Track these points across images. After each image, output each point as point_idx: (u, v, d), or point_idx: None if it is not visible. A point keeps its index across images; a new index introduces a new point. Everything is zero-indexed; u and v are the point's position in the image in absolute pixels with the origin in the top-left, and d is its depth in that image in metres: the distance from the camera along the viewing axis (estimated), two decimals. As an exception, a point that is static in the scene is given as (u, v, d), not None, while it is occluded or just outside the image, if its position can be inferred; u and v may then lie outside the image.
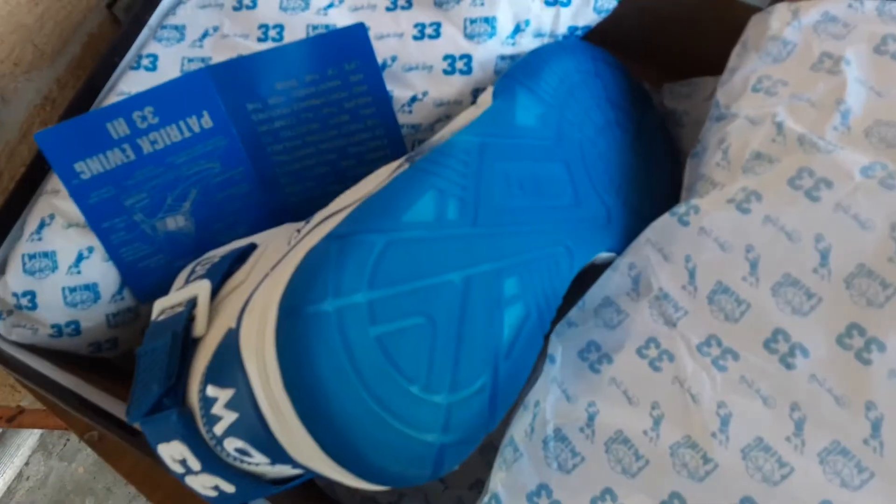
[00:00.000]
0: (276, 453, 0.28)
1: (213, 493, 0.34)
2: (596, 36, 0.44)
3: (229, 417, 0.29)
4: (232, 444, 0.29)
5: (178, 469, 0.33)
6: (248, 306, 0.30)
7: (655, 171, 0.43)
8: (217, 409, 0.29)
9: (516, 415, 0.36)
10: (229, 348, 0.30)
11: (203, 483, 0.33)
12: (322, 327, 0.26)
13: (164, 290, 0.38)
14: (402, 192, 0.30)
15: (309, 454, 0.26)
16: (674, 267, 0.35)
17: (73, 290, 0.42)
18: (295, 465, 0.29)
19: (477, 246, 0.31)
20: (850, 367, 0.30)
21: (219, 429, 0.29)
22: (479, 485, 0.49)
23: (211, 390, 0.30)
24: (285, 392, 0.25)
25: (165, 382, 0.31)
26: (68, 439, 1.25)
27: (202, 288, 0.35)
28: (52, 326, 0.42)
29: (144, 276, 0.44)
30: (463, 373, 0.29)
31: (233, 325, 0.30)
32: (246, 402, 0.27)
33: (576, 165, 0.38)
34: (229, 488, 0.32)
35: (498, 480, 0.34)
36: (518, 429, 0.35)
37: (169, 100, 0.40)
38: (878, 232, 0.30)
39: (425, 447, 0.27)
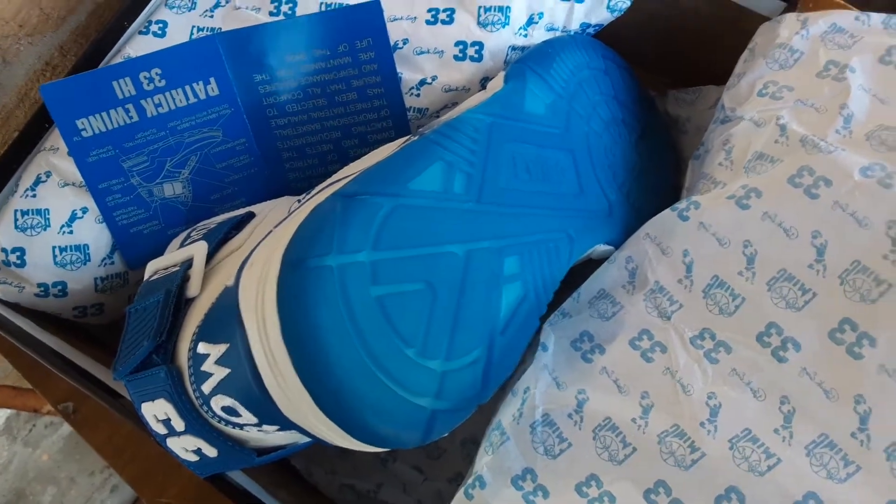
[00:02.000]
0: (266, 411, 0.27)
1: (194, 458, 0.33)
2: (605, 38, 0.45)
3: (220, 374, 0.28)
4: (219, 403, 0.29)
5: (161, 430, 0.32)
6: (247, 262, 0.29)
7: (657, 172, 0.43)
8: (207, 366, 0.29)
9: (505, 401, 0.36)
10: (225, 304, 0.29)
11: (185, 445, 0.32)
12: (324, 281, 0.25)
13: (155, 258, 0.37)
14: (412, 160, 0.30)
15: (301, 409, 0.26)
16: (671, 261, 0.35)
17: (63, 249, 0.41)
18: (283, 424, 0.28)
19: (480, 221, 0.32)
20: (840, 361, 0.30)
21: (207, 386, 0.29)
22: (459, 478, 0.48)
23: (202, 347, 0.29)
24: (283, 343, 0.25)
25: (155, 339, 0.30)
26: (34, 425, 1.23)
27: (199, 248, 0.34)
28: (40, 286, 0.41)
29: (136, 242, 0.43)
30: (459, 342, 0.28)
31: (230, 283, 0.30)
32: (240, 356, 0.27)
33: (581, 157, 0.38)
34: (211, 452, 0.32)
35: (483, 463, 0.34)
36: (506, 414, 0.35)
37: (177, 63, 0.40)
38: (874, 229, 0.31)
39: (418, 411, 0.27)
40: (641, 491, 0.31)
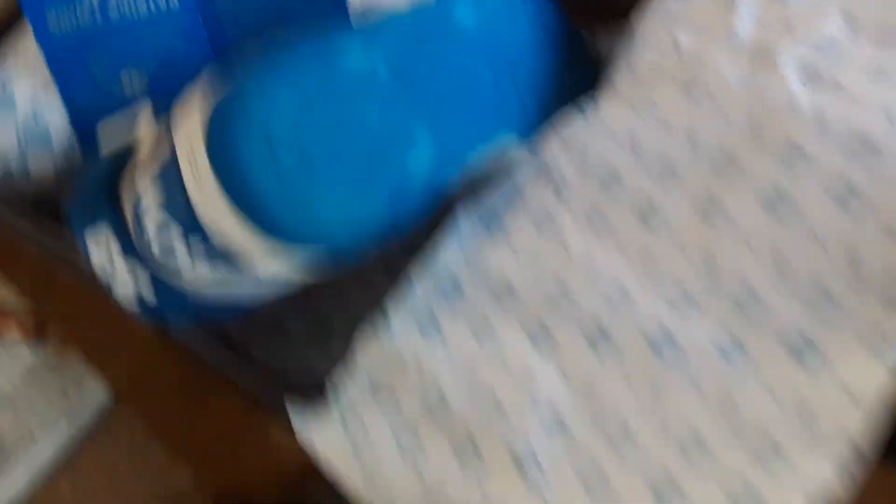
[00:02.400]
0: (190, 220, 0.32)
1: (127, 296, 0.37)
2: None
3: (153, 192, 0.33)
4: (153, 221, 0.33)
5: (102, 264, 0.36)
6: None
7: (572, 89, 0.48)
8: (143, 187, 0.33)
9: (416, 268, 0.40)
10: (164, 134, 0.34)
11: (123, 277, 0.36)
12: (248, 110, 0.30)
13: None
14: (338, 39, 0.35)
15: (217, 209, 0.30)
16: (571, 154, 0.40)
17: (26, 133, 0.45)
18: (204, 235, 0.32)
19: (401, 98, 0.36)
20: (698, 228, 0.35)
21: (143, 207, 0.33)
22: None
23: (140, 180, 0.34)
24: (208, 161, 0.30)
25: (104, 177, 0.35)
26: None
27: (146, 105, 0.39)
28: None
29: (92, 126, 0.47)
30: (369, 180, 0.33)
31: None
32: (170, 172, 0.31)
33: (501, 67, 0.43)
34: (144, 285, 0.36)
35: (392, 309, 0.38)
36: (418, 271, 0.39)
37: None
38: (739, 125, 0.37)
39: (326, 223, 0.31)
40: (525, 331, 0.36)
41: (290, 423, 0.41)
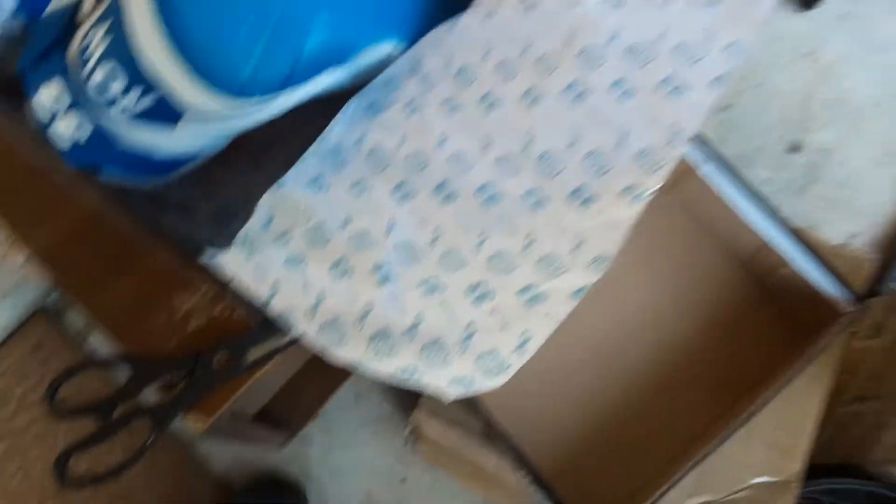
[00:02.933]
0: (132, 66, 0.40)
1: (69, 144, 0.45)
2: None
3: (103, 44, 0.40)
4: (101, 73, 0.41)
5: (47, 114, 0.44)
6: None
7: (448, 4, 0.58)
8: (94, 43, 0.41)
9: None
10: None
11: (66, 125, 0.44)
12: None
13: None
14: None
15: (153, 46, 0.38)
16: (438, 57, 0.51)
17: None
18: (144, 89, 0.40)
19: None
20: (522, 111, 0.47)
21: (91, 61, 0.41)
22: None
23: (92, 31, 0.41)
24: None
25: (55, 30, 0.42)
26: None
27: None
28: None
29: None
30: (274, 44, 0.41)
31: None
32: (118, 24, 0.39)
33: None
34: (86, 131, 0.44)
35: (289, 172, 0.48)
36: (313, 145, 0.49)
37: None
38: (558, 33, 0.49)
39: (238, 72, 0.40)
40: (390, 186, 0.47)
41: (196, 283, 0.49)
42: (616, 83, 0.47)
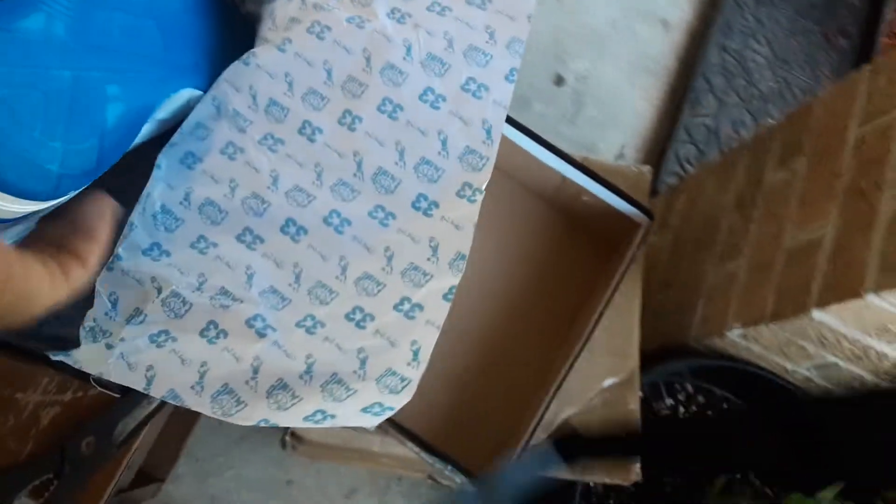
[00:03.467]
0: None
1: None
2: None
3: None
4: None
5: None
6: None
7: (235, 41, 0.58)
8: None
9: (134, 206, 0.48)
10: None
11: None
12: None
13: None
14: (16, 6, 0.40)
15: None
16: (242, 95, 0.51)
17: None
18: None
19: (85, 57, 0.42)
20: (344, 135, 0.49)
21: None
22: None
23: None
24: None
25: None
26: None
27: None
28: None
29: None
30: (74, 132, 0.40)
31: None
32: None
33: (167, 24, 0.50)
34: None
35: (119, 247, 0.46)
36: (134, 213, 0.47)
37: None
38: (356, 54, 0.50)
39: (47, 172, 0.38)
40: (234, 236, 0.46)
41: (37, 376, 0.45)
42: (423, 94, 0.50)
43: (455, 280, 0.46)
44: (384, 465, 0.84)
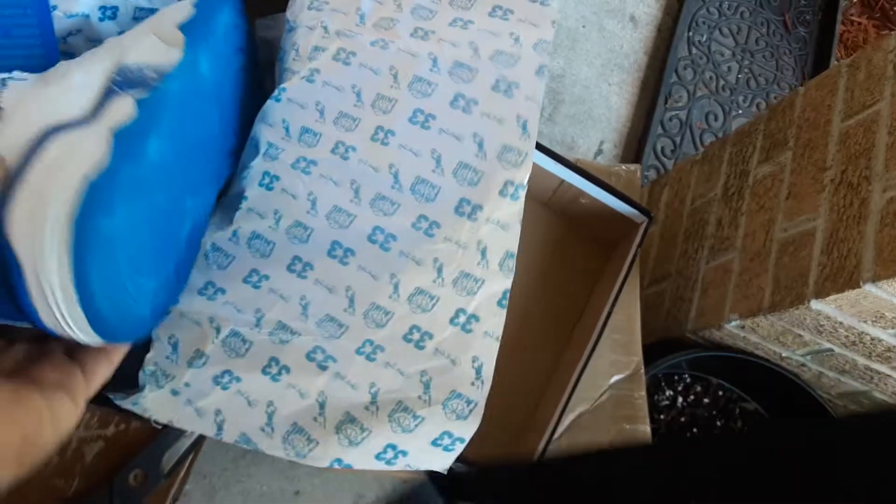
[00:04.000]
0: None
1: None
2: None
3: None
4: None
5: None
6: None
7: (258, 95, 0.57)
8: None
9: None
10: None
11: None
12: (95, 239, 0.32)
13: None
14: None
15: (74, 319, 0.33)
16: (275, 129, 0.51)
17: None
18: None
19: (175, 173, 0.40)
20: (378, 150, 0.50)
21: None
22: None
23: None
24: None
25: None
26: None
27: None
28: None
29: None
30: (160, 264, 0.39)
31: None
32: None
33: (224, 105, 0.49)
34: None
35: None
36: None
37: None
38: (383, 74, 0.51)
39: (141, 317, 0.38)
40: (285, 266, 0.47)
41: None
42: (454, 100, 0.50)
43: (507, 282, 0.46)
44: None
